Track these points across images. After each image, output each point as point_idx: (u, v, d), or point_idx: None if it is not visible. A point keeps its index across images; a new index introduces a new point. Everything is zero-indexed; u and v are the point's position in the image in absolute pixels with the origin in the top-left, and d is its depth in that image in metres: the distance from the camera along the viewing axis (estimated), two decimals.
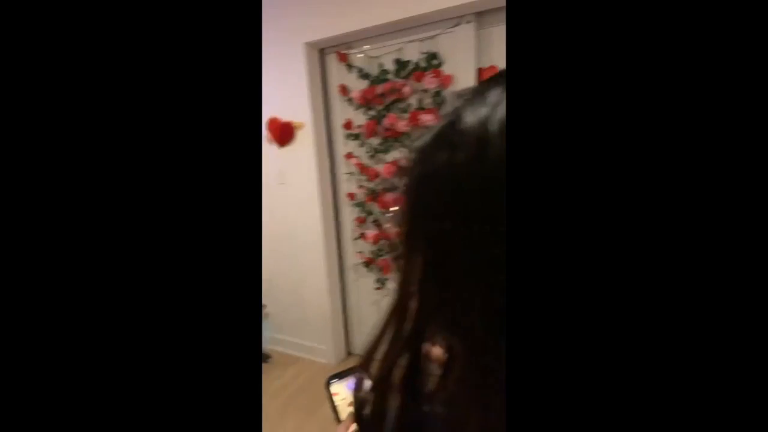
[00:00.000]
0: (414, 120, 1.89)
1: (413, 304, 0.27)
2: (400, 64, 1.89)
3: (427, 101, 1.86)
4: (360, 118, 2.07)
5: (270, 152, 2.27)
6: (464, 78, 1.78)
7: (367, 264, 2.26)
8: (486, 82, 0.25)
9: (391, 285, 2.13)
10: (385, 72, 1.93)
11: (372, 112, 2.02)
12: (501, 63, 1.72)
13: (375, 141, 2.06)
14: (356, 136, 2.11)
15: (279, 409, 1.98)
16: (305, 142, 2.16)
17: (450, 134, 0.23)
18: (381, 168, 2.07)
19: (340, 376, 0.59)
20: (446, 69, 1.80)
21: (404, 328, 0.27)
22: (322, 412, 1.96)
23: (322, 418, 1.92)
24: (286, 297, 2.45)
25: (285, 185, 2.29)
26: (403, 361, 0.28)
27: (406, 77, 1.88)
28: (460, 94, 0.25)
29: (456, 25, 1.74)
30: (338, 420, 0.53)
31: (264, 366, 2.38)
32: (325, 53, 2.12)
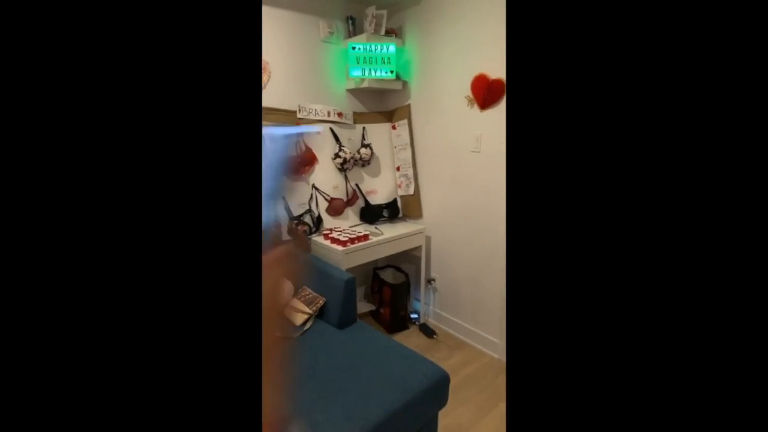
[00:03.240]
0: None
1: None
2: None
3: None
4: None
5: (470, 116, 2.04)
6: None
7: None
8: None
9: None
10: None
11: None
12: None
13: None
14: None
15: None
16: None
17: None
18: None
19: None
20: None
21: None
22: (499, 410, 1.75)
23: (498, 416, 1.72)
24: (461, 274, 2.27)
25: (479, 153, 2.05)
26: None
27: None
28: None
29: None
30: None
31: (429, 342, 2.28)
32: None
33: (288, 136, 0.39)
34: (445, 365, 2.05)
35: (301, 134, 0.43)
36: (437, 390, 1.44)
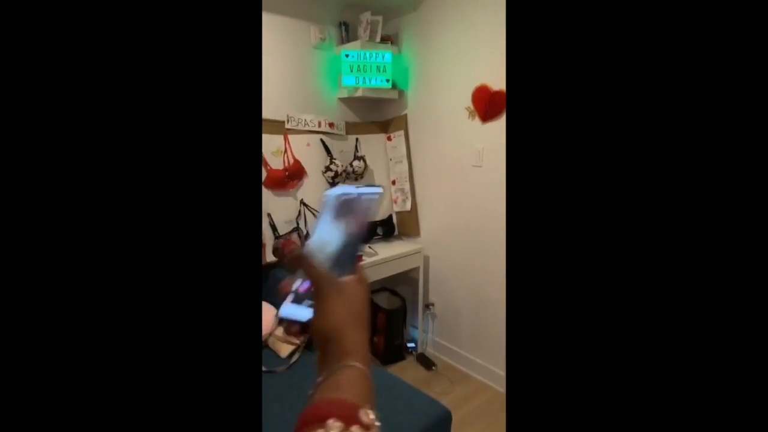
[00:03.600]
0: None
1: None
2: None
3: None
4: None
5: (471, 128, 1.91)
6: None
7: None
8: None
9: None
10: None
11: None
12: None
13: None
14: None
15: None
16: None
17: None
18: None
19: None
20: None
21: None
22: None
23: None
24: (462, 299, 2.08)
25: (480, 168, 1.90)
26: None
27: None
28: None
29: None
30: None
31: (428, 374, 2.07)
32: None
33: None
34: (446, 400, 1.83)
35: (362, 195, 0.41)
36: (438, 430, 1.24)
